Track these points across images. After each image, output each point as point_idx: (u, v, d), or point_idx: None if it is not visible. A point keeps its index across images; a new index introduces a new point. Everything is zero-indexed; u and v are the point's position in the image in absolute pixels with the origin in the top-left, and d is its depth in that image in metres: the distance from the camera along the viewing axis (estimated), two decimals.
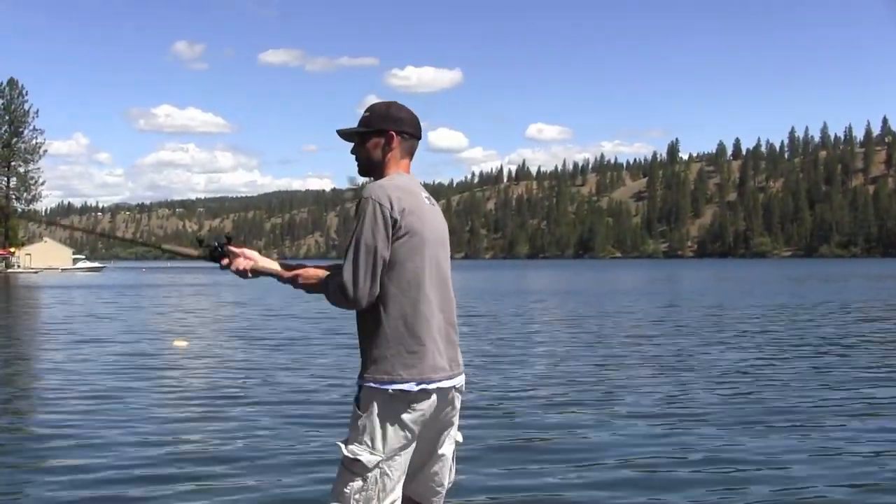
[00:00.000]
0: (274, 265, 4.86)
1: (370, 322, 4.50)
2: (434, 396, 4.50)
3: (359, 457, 4.43)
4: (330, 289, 4.50)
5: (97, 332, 25.54)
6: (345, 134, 4.75)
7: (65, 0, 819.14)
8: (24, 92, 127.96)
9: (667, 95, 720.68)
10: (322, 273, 4.68)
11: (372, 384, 4.45)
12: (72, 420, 11.57)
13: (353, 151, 4.74)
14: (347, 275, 4.39)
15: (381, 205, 4.38)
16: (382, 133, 4.62)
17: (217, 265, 4.83)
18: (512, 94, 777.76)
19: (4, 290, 65.65)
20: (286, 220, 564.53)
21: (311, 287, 4.69)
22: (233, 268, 4.82)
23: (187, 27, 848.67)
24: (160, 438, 10.37)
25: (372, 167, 4.67)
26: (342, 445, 4.50)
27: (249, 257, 4.86)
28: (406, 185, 4.54)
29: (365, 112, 4.70)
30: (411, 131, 4.70)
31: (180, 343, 21.72)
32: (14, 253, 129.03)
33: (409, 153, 4.72)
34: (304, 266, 4.83)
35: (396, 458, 4.48)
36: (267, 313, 34.52)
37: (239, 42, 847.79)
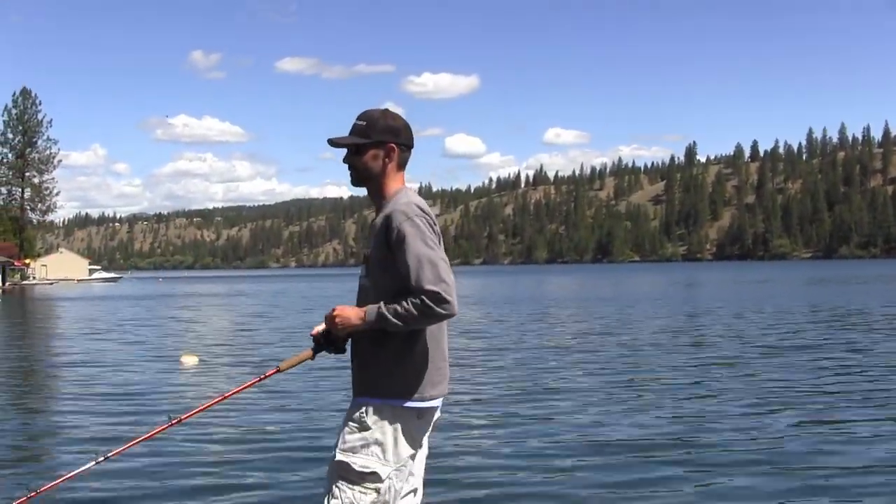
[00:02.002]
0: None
1: (399, 341, 4.42)
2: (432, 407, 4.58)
3: (372, 469, 4.37)
4: (411, 312, 4.25)
5: (102, 348, 24.59)
6: (338, 144, 4.63)
7: (80, 11, 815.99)
8: (37, 101, 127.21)
9: (684, 98, 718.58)
10: (360, 312, 4.43)
11: (398, 402, 4.41)
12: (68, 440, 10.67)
13: (346, 161, 4.64)
14: (441, 289, 4.22)
15: (428, 218, 4.39)
16: (381, 145, 4.57)
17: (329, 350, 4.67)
18: (529, 99, 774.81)
19: (18, 303, 65.01)
20: (304, 228, 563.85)
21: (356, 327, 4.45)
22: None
23: (203, 36, 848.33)
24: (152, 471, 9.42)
25: (369, 178, 4.62)
26: (348, 461, 4.39)
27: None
28: (424, 203, 4.54)
29: (359, 120, 4.62)
30: (408, 143, 4.65)
31: (189, 359, 20.63)
32: (29, 264, 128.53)
33: (405, 164, 4.69)
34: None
35: (404, 468, 4.48)
36: (289, 326, 33.59)
37: (255, 50, 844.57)
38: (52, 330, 36.05)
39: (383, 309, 4.29)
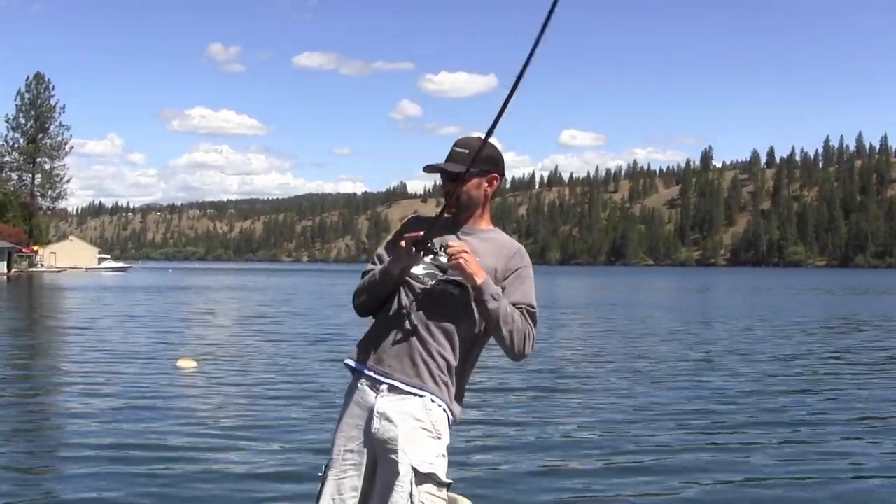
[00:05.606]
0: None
1: (471, 361, 4.46)
2: None
3: (448, 480, 4.28)
4: (521, 332, 4.32)
5: (94, 347, 22.79)
6: (445, 170, 4.47)
7: (100, 0, 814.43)
8: (50, 87, 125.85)
9: (701, 103, 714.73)
10: (484, 272, 4.30)
11: (453, 419, 4.36)
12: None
13: (445, 187, 4.48)
14: (534, 331, 4.38)
15: None
16: (485, 174, 4.46)
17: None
18: (546, 99, 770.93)
19: (24, 290, 63.51)
20: (317, 223, 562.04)
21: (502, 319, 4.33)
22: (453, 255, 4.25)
23: (223, 29, 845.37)
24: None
25: (469, 206, 4.49)
26: (435, 472, 4.20)
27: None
28: None
29: (460, 147, 4.44)
30: (503, 173, 4.60)
31: (186, 363, 18.74)
32: (37, 251, 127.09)
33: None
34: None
35: None
36: (298, 323, 31.90)
37: (274, 44, 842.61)
38: (45, 321, 34.35)
39: (500, 293, 4.29)
